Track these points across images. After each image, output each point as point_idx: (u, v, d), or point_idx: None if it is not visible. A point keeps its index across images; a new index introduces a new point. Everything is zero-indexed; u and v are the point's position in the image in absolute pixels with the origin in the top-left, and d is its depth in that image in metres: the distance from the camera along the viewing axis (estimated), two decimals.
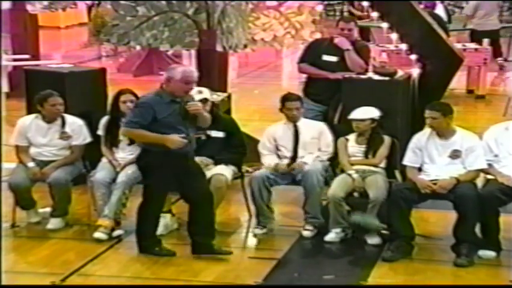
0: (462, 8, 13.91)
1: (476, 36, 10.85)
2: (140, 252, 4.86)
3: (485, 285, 4.02)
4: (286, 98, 5.46)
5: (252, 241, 5.28)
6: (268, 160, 5.39)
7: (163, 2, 6.99)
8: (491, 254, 4.90)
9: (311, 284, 4.53)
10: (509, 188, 4.88)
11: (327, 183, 5.23)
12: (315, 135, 5.41)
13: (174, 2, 6.92)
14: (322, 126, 5.50)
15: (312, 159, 5.32)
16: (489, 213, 4.89)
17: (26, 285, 3.82)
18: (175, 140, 4.67)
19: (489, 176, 5.06)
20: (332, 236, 5.14)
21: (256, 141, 6.09)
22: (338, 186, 5.12)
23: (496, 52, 11.03)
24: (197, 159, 5.31)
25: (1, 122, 5.09)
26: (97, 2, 10.45)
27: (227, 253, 4.87)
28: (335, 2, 11.73)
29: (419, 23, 6.63)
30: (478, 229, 4.93)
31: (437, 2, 11.32)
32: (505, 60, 11.44)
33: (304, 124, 5.45)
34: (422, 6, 8.36)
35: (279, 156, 5.40)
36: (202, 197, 4.85)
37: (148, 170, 4.85)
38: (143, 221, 4.88)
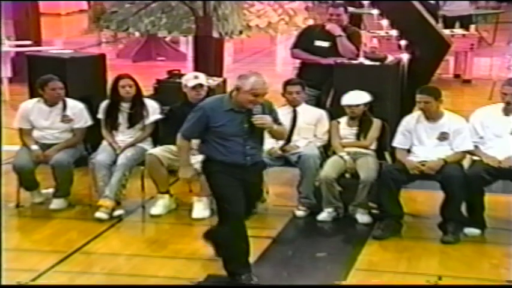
0: None
1: (448, 21, 10.88)
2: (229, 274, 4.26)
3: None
4: (287, 82, 5.47)
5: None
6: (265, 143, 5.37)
7: None
8: (476, 231, 4.93)
9: (305, 260, 4.54)
10: (494, 168, 4.90)
11: (321, 165, 5.24)
12: (312, 121, 5.41)
13: None
14: (321, 113, 5.47)
15: (304, 144, 5.32)
16: (474, 193, 4.91)
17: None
18: (184, 172, 4.37)
19: (475, 157, 5.07)
20: (324, 215, 5.16)
21: None
22: (330, 168, 5.13)
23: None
24: (194, 141, 5.30)
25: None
26: None
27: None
28: None
29: (409, 10, 6.61)
30: (463, 208, 4.95)
31: None
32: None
33: (303, 110, 5.44)
34: None
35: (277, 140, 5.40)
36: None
37: (213, 177, 4.27)
38: (231, 244, 4.25)
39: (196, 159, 5.28)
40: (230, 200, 4.10)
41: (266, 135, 4.32)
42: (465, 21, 10.67)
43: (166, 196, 5.33)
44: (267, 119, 4.12)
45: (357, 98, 5.30)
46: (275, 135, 4.42)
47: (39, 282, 4.26)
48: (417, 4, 6.66)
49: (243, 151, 4.11)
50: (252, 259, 4.39)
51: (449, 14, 11.12)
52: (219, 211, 4.22)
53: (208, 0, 6.53)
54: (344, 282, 4.15)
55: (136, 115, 5.45)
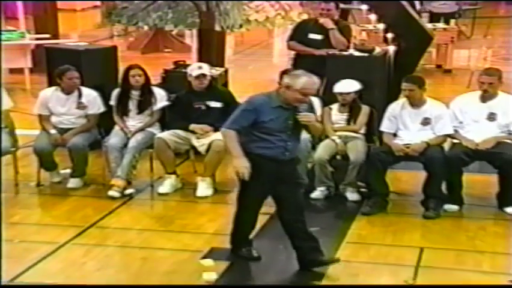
0: None
1: (434, 17, 10.84)
2: (232, 252, 4.18)
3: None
4: (283, 72, 5.41)
5: None
6: None
7: None
8: (454, 207, 4.94)
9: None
10: (472, 150, 4.89)
11: (314, 148, 5.23)
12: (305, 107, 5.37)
13: None
14: (315, 101, 5.43)
15: None
16: (454, 173, 4.92)
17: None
18: (240, 165, 3.87)
19: (454, 141, 5.06)
20: (317, 193, 5.15)
21: None
22: (322, 150, 5.12)
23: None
24: (198, 126, 5.30)
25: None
26: None
27: (335, 261, 4.03)
28: None
29: (394, 5, 6.59)
30: (443, 186, 4.95)
31: None
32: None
33: None
34: None
35: None
36: (293, 206, 4.02)
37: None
38: (240, 225, 4.15)
39: (202, 142, 5.28)
40: (249, 194, 3.96)
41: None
42: (448, 17, 10.67)
43: (173, 176, 5.32)
44: (312, 116, 4.00)
45: (347, 86, 5.28)
46: (313, 132, 4.29)
47: (59, 253, 4.27)
48: (402, 1, 6.63)
49: (284, 146, 3.91)
50: (252, 233, 4.39)
51: (435, 11, 11.10)
52: (240, 195, 4.06)
53: None
54: (336, 256, 4.13)
55: (145, 102, 5.43)
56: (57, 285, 3.58)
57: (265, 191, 4.00)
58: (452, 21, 10.26)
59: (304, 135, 5.22)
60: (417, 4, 10.55)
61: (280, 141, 3.90)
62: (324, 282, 3.90)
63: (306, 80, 3.88)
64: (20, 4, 9.79)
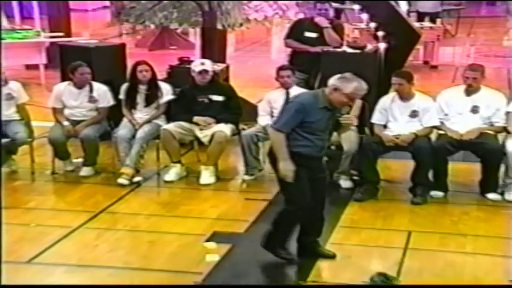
0: None
1: (421, 16, 10.81)
2: (265, 247, 3.87)
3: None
4: (280, 68, 5.42)
5: (243, 185, 5.26)
6: (261, 120, 5.34)
7: None
8: (440, 194, 4.92)
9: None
10: (456, 141, 4.87)
11: None
12: None
13: None
14: None
15: None
16: (440, 162, 4.90)
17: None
18: (286, 168, 3.67)
19: (440, 132, 5.04)
20: None
21: (250, 104, 6.05)
22: None
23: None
24: (201, 118, 5.28)
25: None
26: None
27: (330, 255, 3.90)
28: None
29: (385, 5, 6.56)
30: (430, 174, 4.93)
31: None
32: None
33: (294, 91, 5.35)
34: None
35: (272, 116, 5.35)
36: (318, 200, 3.86)
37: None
38: (287, 225, 3.85)
39: (205, 133, 5.25)
40: (302, 192, 3.72)
41: None
42: (434, 16, 10.64)
43: (178, 165, 5.30)
44: (353, 119, 3.93)
45: None
46: (342, 131, 4.23)
47: (72, 236, 4.25)
48: (391, 0, 6.60)
49: (322, 145, 3.78)
50: (251, 218, 4.39)
51: (421, 10, 11.05)
52: (288, 196, 3.78)
53: None
54: (329, 241, 4.10)
55: (152, 96, 5.40)
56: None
57: (308, 187, 3.76)
58: (438, 20, 10.28)
59: None
60: (405, 4, 10.50)
61: (319, 140, 3.75)
62: (317, 264, 3.88)
63: (356, 85, 3.71)
64: (35, 5, 9.76)
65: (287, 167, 3.67)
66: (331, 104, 3.72)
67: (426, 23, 10.12)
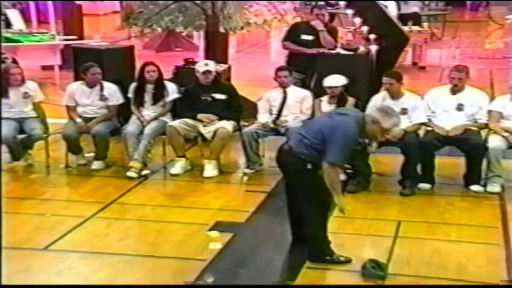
0: None
1: (404, 19, 10.70)
2: (315, 260, 3.68)
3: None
4: (278, 68, 5.40)
5: (244, 178, 5.24)
6: (261, 117, 5.32)
7: None
8: (427, 186, 4.90)
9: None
10: (443, 136, 4.86)
11: None
12: (298, 100, 5.33)
13: None
14: (306, 93, 5.38)
15: (292, 118, 5.25)
16: (427, 156, 4.88)
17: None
18: (343, 203, 3.60)
19: (428, 128, 5.02)
20: None
21: (250, 103, 6.02)
22: None
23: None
24: (205, 115, 5.25)
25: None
26: None
27: (346, 261, 3.66)
28: None
29: (376, 10, 6.54)
30: (418, 168, 4.91)
31: None
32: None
33: (292, 90, 5.36)
34: None
35: (271, 114, 5.33)
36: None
37: (320, 181, 3.53)
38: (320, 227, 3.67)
39: (208, 130, 5.23)
40: (325, 200, 3.59)
41: None
42: (416, 20, 10.55)
43: (183, 159, 5.28)
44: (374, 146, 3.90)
45: (336, 80, 5.22)
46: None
47: (85, 226, 4.24)
48: (382, 5, 6.57)
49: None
50: (251, 209, 4.37)
51: (404, 12, 11.03)
52: (318, 206, 3.59)
53: (216, 0, 6.41)
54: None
55: (159, 94, 5.38)
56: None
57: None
58: (425, 24, 10.25)
59: (298, 124, 5.19)
60: (395, 9, 10.44)
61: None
62: None
63: (395, 121, 3.57)
64: (51, 10, 9.76)
65: (343, 202, 3.54)
66: (366, 134, 3.56)
67: (415, 27, 10.08)
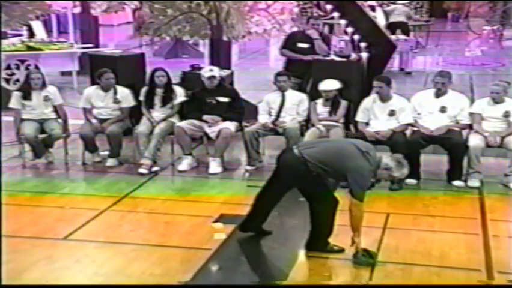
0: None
1: (392, 28, 10.65)
2: (315, 244, 3.64)
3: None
4: (277, 74, 5.38)
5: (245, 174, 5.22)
6: (261, 118, 5.30)
7: (185, 6, 6.87)
8: (414, 181, 4.88)
9: (291, 203, 4.48)
10: (428, 136, 4.84)
11: (302, 134, 5.15)
12: (296, 102, 5.31)
13: (193, 5, 6.78)
14: (303, 96, 5.37)
15: (290, 119, 5.23)
16: (414, 154, 4.84)
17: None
18: (359, 247, 3.50)
19: (414, 128, 5.01)
20: None
21: (251, 105, 6.00)
22: (310, 136, 5.05)
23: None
24: (210, 117, 5.24)
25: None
26: (139, 6, 10.27)
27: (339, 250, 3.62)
28: (307, 6, 11.44)
29: (366, 20, 6.53)
30: None
31: (376, 6, 10.99)
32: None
33: (289, 94, 5.34)
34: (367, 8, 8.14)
35: (270, 115, 5.31)
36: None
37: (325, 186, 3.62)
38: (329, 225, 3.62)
39: (213, 130, 5.21)
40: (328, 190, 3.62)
41: None
42: (404, 28, 10.51)
43: (190, 157, 5.26)
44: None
45: (330, 84, 5.21)
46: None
47: (100, 217, 4.22)
48: (371, 16, 6.56)
49: None
50: (252, 203, 4.33)
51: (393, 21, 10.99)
52: (324, 204, 3.57)
53: (219, 0, 6.42)
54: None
55: (167, 97, 5.36)
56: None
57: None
58: (412, 33, 10.23)
59: (296, 124, 5.18)
60: (383, 19, 10.41)
61: None
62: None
63: (405, 171, 3.49)
64: (70, 21, 9.79)
65: (358, 243, 3.44)
66: (377, 174, 3.46)
67: (402, 36, 10.07)
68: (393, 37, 8.72)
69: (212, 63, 6.30)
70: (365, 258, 3.49)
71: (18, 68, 7.67)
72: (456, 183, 4.85)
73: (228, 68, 6.77)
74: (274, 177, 3.70)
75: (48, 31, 9.98)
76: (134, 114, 5.50)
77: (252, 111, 5.60)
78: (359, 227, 3.42)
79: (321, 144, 3.71)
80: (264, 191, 3.76)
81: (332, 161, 3.45)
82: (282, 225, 4.06)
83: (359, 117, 5.06)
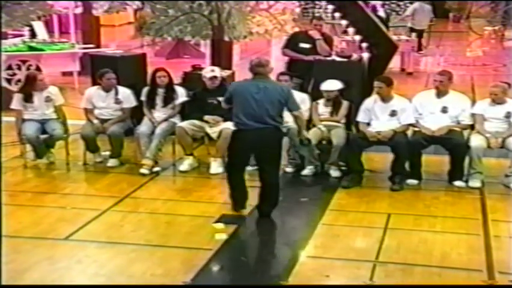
0: (397, 11, 13.79)
1: (412, 31, 10.76)
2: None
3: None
4: (279, 74, 5.39)
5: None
6: None
7: (186, 6, 6.86)
8: (415, 181, 4.88)
9: (292, 203, 4.48)
10: (429, 136, 4.83)
11: None
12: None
13: (194, 5, 6.77)
14: (304, 97, 5.34)
15: (292, 119, 5.20)
16: (415, 154, 4.85)
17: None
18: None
19: (415, 129, 4.99)
20: (306, 171, 5.09)
21: None
22: (311, 136, 5.02)
23: (420, 43, 11.01)
24: (211, 117, 5.24)
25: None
26: (140, 6, 10.29)
27: None
28: (309, 6, 11.45)
29: (367, 21, 6.53)
30: (407, 165, 4.89)
31: (378, 7, 11.00)
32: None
33: None
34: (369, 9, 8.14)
35: None
36: None
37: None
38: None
39: (214, 130, 5.20)
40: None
41: None
42: (421, 33, 10.58)
43: (191, 157, 5.26)
44: None
45: (331, 85, 5.21)
46: None
47: (101, 218, 4.22)
48: (373, 17, 6.57)
49: None
50: (253, 203, 4.34)
51: (413, 26, 11.00)
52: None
53: (221, 0, 6.42)
54: (321, 222, 4.05)
55: (169, 98, 5.36)
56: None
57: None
58: (413, 34, 10.25)
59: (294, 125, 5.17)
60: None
61: None
62: (311, 241, 3.84)
63: None
64: (71, 22, 9.78)
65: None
66: None
67: (403, 36, 10.07)
68: (394, 37, 8.73)
69: (213, 64, 6.30)
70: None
71: (19, 68, 7.69)
72: (457, 183, 4.84)
73: (230, 68, 6.77)
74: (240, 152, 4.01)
75: (50, 32, 10.00)
76: (135, 115, 5.50)
77: None
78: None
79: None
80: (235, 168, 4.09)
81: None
82: (283, 224, 4.05)
83: (360, 117, 5.05)
